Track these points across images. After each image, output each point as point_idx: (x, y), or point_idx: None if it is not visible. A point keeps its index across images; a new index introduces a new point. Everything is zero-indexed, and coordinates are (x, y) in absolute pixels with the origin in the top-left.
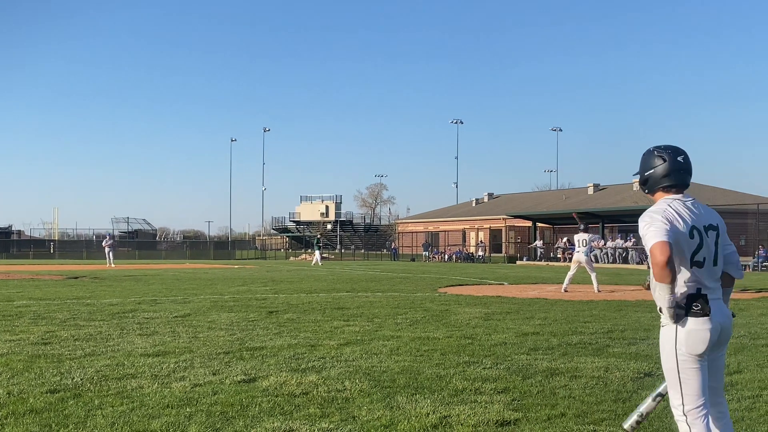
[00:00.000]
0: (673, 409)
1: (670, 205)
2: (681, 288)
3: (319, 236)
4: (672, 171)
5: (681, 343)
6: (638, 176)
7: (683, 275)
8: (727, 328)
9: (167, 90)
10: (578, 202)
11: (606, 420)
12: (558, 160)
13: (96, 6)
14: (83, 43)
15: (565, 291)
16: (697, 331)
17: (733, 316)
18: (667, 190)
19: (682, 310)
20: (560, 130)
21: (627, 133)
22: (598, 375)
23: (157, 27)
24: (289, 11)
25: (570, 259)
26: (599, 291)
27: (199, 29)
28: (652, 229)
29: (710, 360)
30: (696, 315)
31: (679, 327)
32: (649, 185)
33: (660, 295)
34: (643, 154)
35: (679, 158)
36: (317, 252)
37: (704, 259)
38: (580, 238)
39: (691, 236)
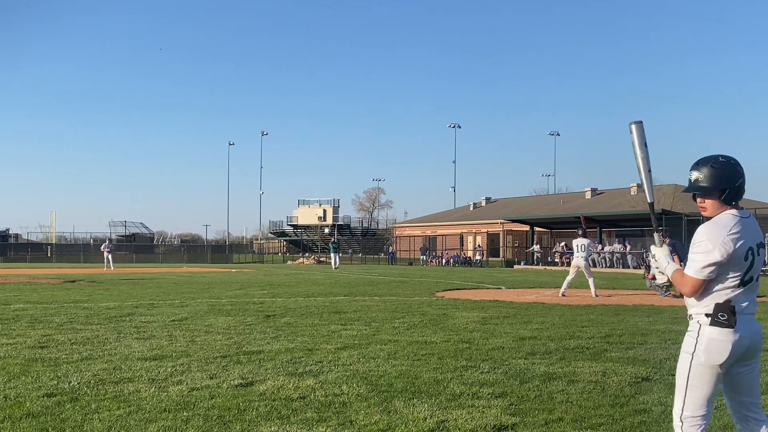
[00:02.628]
0: (673, 414)
1: (736, 224)
2: (718, 298)
3: (334, 239)
4: (743, 183)
5: (700, 351)
6: (716, 186)
7: (725, 290)
8: (756, 342)
9: (165, 94)
10: (576, 207)
11: (603, 425)
12: (555, 164)
13: (94, 10)
14: (81, 46)
15: (563, 295)
16: (719, 341)
17: None
18: (732, 203)
19: (709, 318)
20: (558, 134)
21: (625, 137)
22: (596, 379)
23: (154, 31)
24: (287, 16)
25: (568, 264)
26: (596, 296)
27: (197, 33)
28: (705, 265)
29: (739, 374)
30: (721, 325)
31: (701, 334)
32: (727, 197)
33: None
34: (724, 165)
35: (743, 179)
36: (334, 254)
37: (752, 278)
38: (579, 243)
39: (746, 258)
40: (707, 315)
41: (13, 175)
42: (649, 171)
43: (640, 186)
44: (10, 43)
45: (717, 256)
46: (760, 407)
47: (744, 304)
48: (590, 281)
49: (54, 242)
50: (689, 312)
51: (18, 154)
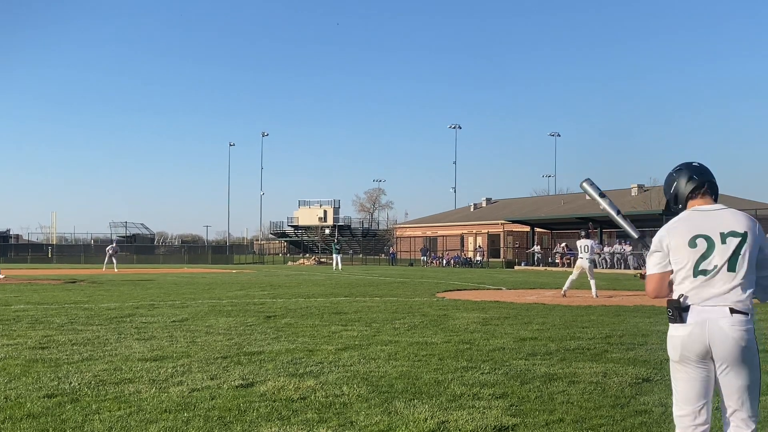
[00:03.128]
0: None
1: (680, 216)
2: (672, 296)
3: (337, 239)
4: (692, 183)
5: (670, 349)
6: (667, 202)
7: (684, 285)
8: (721, 340)
9: (166, 95)
10: (576, 207)
11: (604, 425)
12: (556, 165)
13: (95, 11)
14: (81, 48)
15: (564, 295)
16: (672, 337)
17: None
18: (694, 197)
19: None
20: (558, 135)
21: (625, 138)
22: (597, 380)
23: (154, 33)
24: (287, 18)
25: (568, 265)
26: (597, 296)
27: (197, 35)
28: (651, 257)
29: (718, 375)
30: (671, 321)
31: (669, 333)
32: (675, 202)
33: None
34: (666, 179)
35: (694, 163)
36: (336, 255)
37: (715, 267)
38: (582, 244)
39: (692, 245)
40: (669, 313)
41: (14, 176)
42: (618, 213)
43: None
44: (10, 43)
45: (657, 245)
46: (743, 417)
47: (703, 299)
48: (592, 282)
49: (55, 243)
50: None
51: (19, 155)
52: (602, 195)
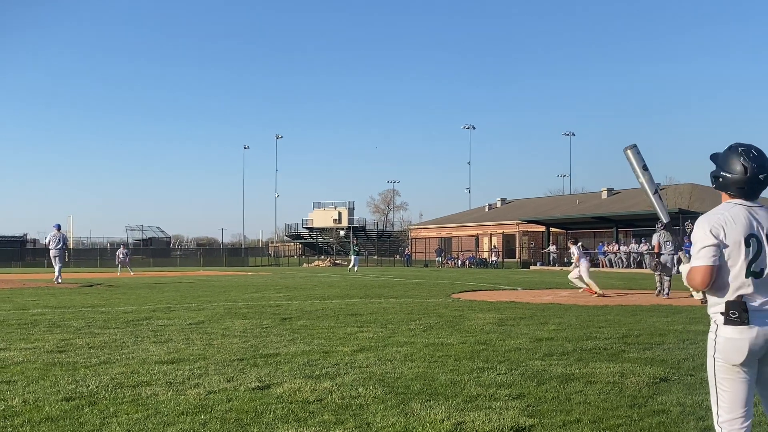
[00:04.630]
0: (713, 419)
1: (730, 210)
2: (729, 296)
3: (355, 240)
4: (748, 183)
5: (719, 352)
6: (714, 170)
7: (735, 283)
8: None
9: (181, 99)
10: (592, 207)
11: (622, 426)
12: (571, 164)
13: (106, 16)
14: (98, 53)
15: (602, 295)
16: (734, 340)
17: None
18: (734, 196)
19: (722, 316)
20: (573, 134)
21: (641, 136)
22: (614, 380)
23: (169, 38)
24: (301, 20)
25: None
26: (581, 290)
27: (211, 39)
28: (701, 249)
29: (762, 373)
30: (734, 323)
31: (718, 335)
32: (719, 185)
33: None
34: (727, 151)
35: (761, 176)
36: (354, 257)
37: (762, 270)
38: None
39: (747, 245)
40: (721, 314)
41: (30, 181)
42: (655, 192)
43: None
44: (25, 49)
45: (711, 237)
46: None
47: (759, 300)
48: (577, 280)
49: (71, 247)
50: (708, 312)
51: (36, 160)
52: (645, 168)
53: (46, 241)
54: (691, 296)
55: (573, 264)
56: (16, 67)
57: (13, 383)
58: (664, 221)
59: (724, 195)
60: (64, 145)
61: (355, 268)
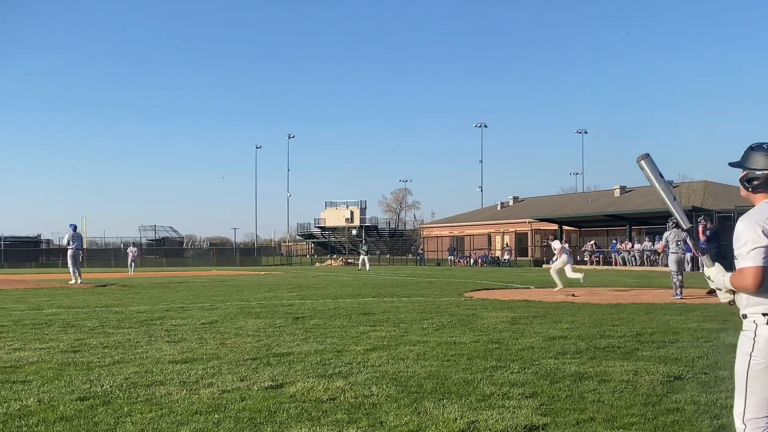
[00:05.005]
0: (734, 416)
1: None
2: None
3: (364, 239)
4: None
5: (758, 351)
6: (744, 172)
7: None
8: None
9: (193, 99)
10: (604, 205)
11: (636, 424)
12: (583, 162)
13: (129, 18)
14: (107, 54)
15: (573, 295)
16: None
17: None
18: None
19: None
20: (585, 132)
21: (653, 134)
22: (627, 379)
23: (179, 39)
24: (310, 19)
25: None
26: (557, 289)
27: (221, 40)
28: (752, 250)
29: None
30: None
31: (758, 334)
32: (758, 185)
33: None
34: (755, 152)
35: None
36: (363, 256)
37: None
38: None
39: None
40: (764, 314)
41: (43, 182)
42: (674, 199)
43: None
44: (38, 52)
45: (763, 238)
46: None
47: None
48: (570, 276)
49: (85, 247)
50: (743, 312)
51: (49, 161)
52: (660, 176)
53: (64, 241)
54: (709, 293)
55: (555, 257)
56: (31, 68)
57: (27, 383)
58: (685, 227)
59: (758, 196)
60: (77, 145)
61: (367, 267)
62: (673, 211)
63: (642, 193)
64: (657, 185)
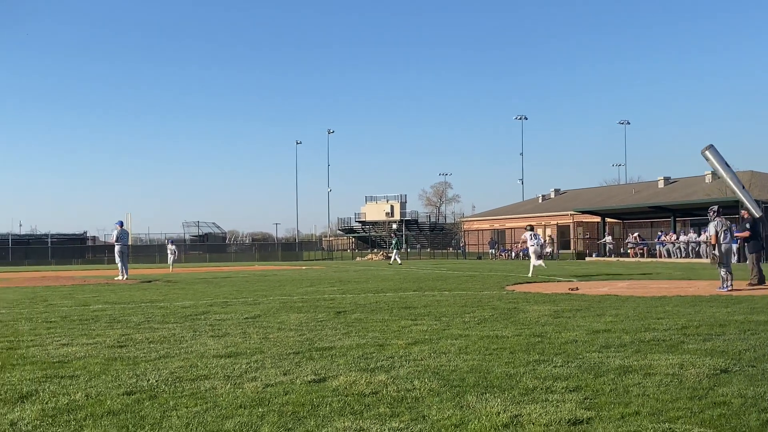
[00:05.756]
0: None
1: None
2: None
3: (394, 234)
4: None
5: None
6: None
7: None
8: None
9: (234, 96)
10: (648, 196)
11: (681, 418)
12: (626, 153)
13: (186, 19)
14: (151, 57)
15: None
16: None
17: None
18: None
19: None
20: (628, 123)
21: (698, 123)
22: (673, 372)
23: (221, 32)
24: (352, 17)
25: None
26: (530, 275)
27: (262, 37)
28: None
29: None
30: None
31: None
32: None
33: None
34: None
35: None
36: (395, 250)
37: None
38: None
39: None
40: None
41: (90, 180)
42: (743, 188)
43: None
44: (82, 55)
45: None
46: None
47: None
48: (533, 264)
49: (130, 244)
50: None
51: (95, 160)
52: (726, 165)
53: (112, 238)
54: (750, 284)
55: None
56: (81, 71)
57: (75, 378)
58: (757, 215)
59: None
60: (122, 143)
61: (397, 261)
62: (743, 199)
63: (686, 184)
64: (724, 174)
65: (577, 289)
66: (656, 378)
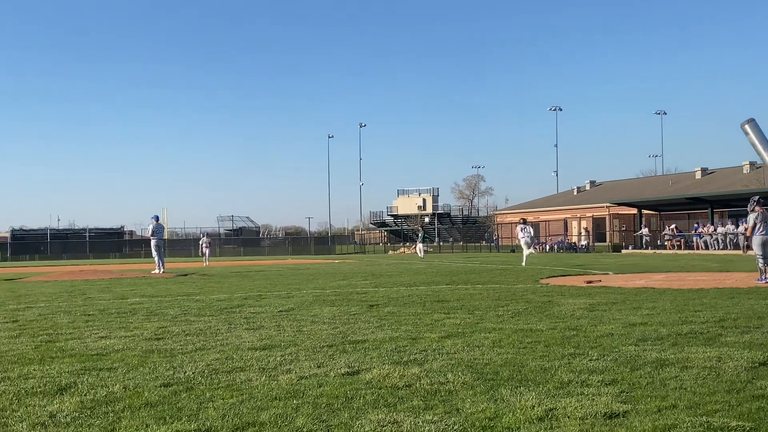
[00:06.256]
0: None
1: None
2: None
3: (420, 227)
4: None
5: None
6: None
7: None
8: None
9: (266, 90)
10: (685, 188)
11: (719, 411)
12: (663, 144)
13: (221, 12)
14: (184, 49)
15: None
16: None
17: None
18: None
19: None
20: (664, 113)
21: (736, 113)
22: (711, 365)
23: (253, 28)
24: (382, 10)
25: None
26: (524, 264)
27: (294, 30)
28: None
29: None
30: None
31: None
32: None
33: None
34: None
35: None
36: (420, 243)
37: None
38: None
39: None
40: None
41: (126, 176)
42: None
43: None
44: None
45: None
46: None
47: None
48: (525, 254)
49: (166, 238)
50: None
51: (131, 155)
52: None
53: (148, 233)
54: None
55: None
56: (110, 67)
57: (113, 370)
58: None
59: None
60: (158, 139)
61: (421, 254)
62: None
63: (724, 174)
64: (763, 152)
65: (599, 281)
66: (693, 371)
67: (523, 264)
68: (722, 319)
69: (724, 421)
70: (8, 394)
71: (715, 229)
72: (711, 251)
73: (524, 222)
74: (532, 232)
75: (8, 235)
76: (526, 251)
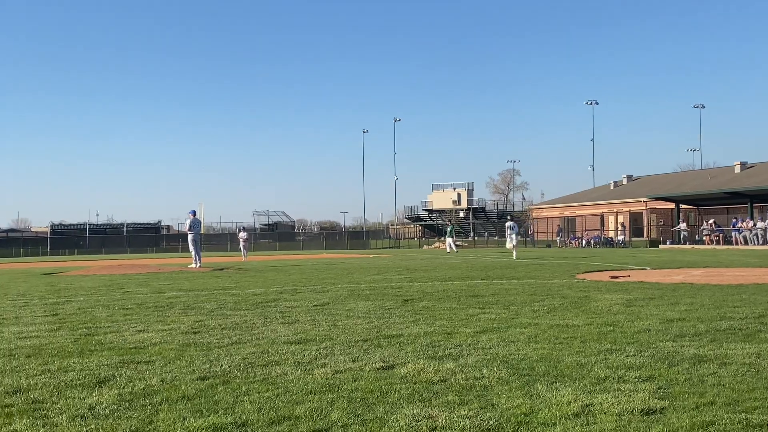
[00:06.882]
0: None
1: None
2: None
3: (449, 222)
4: None
5: None
6: None
7: None
8: None
9: (301, 86)
10: (724, 182)
11: (758, 408)
12: (701, 138)
13: (248, 12)
14: (215, 51)
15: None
16: None
17: None
18: None
19: None
20: (703, 106)
21: None
22: (750, 362)
23: (288, 23)
24: (417, 7)
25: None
26: (516, 258)
27: (329, 28)
28: None
29: None
30: None
31: None
32: None
33: None
34: None
35: None
36: (448, 238)
37: None
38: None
39: None
40: None
41: (164, 171)
42: None
43: None
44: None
45: None
46: None
47: None
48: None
49: (203, 232)
50: None
51: (168, 151)
52: None
53: (185, 227)
54: None
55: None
56: (152, 65)
57: (151, 363)
58: None
59: None
60: (194, 134)
61: (450, 249)
62: None
63: (764, 169)
64: None
65: (628, 276)
66: (732, 367)
67: (514, 257)
68: (762, 315)
69: (763, 418)
70: (48, 387)
71: (755, 224)
72: (750, 246)
73: (511, 218)
74: (517, 229)
75: (48, 230)
76: (509, 244)
